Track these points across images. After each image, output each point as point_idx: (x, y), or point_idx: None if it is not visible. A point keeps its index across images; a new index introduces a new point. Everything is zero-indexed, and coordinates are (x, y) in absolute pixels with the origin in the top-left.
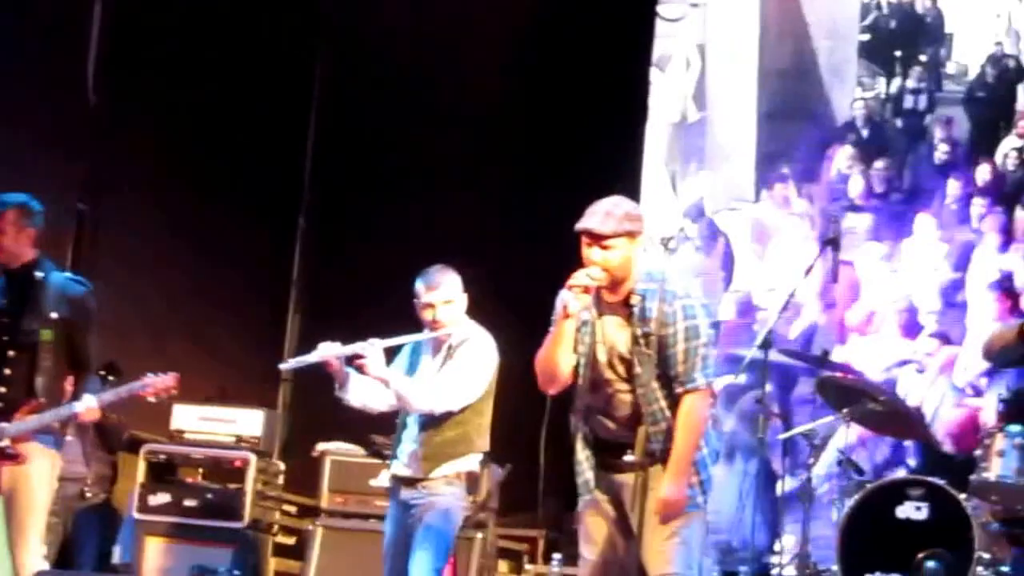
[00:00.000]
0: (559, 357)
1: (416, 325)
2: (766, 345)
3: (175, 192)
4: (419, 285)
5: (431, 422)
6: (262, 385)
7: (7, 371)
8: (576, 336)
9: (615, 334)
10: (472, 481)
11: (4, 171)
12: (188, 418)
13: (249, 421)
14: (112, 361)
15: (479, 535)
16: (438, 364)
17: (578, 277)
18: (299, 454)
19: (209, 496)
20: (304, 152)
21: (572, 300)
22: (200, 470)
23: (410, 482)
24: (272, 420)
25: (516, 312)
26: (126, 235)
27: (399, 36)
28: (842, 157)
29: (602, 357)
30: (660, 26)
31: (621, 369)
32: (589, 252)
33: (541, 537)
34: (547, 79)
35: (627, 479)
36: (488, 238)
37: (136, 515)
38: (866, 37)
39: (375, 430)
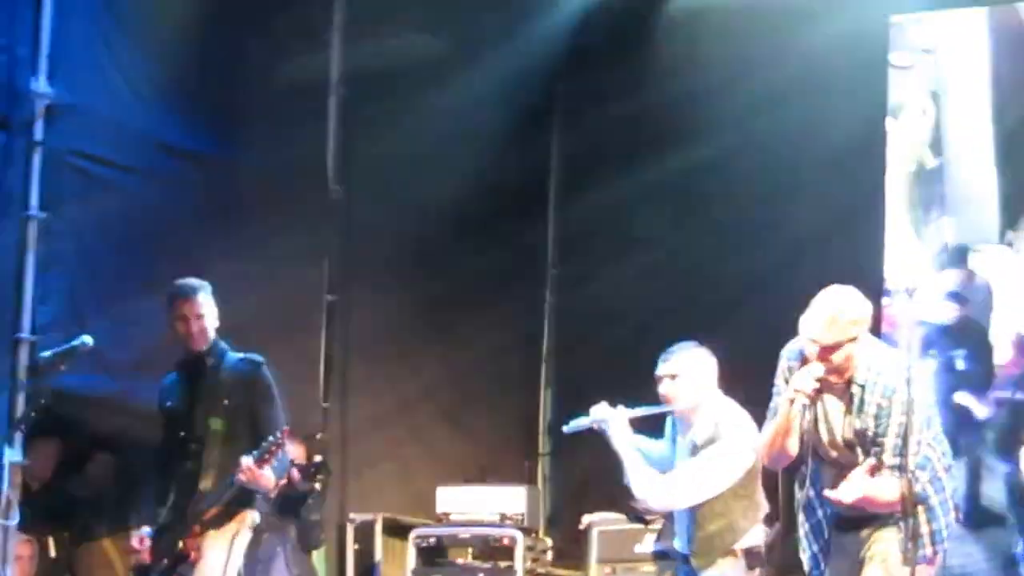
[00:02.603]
0: (788, 441)
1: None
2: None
3: (420, 278)
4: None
5: (691, 516)
6: (521, 462)
7: (189, 465)
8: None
9: (835, 417)
10: (752, 557)
11: (253, 263)
12: (452, 500)
13: (512, 498)
14: (323, 460)
15: None
16: (684, 451)
17: (804, 382)
18: (563, 527)
19: (481, 575)
20: (546, 225)
21: (799, 399)
22: (469, 550)
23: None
24: (534, 495)
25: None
26: (376, 324)
27: (634, 108)
28: None
29: (824, 436)
30: (893, 75)
31: (844, 451)
32: (812, 351)
33: None
34: (782, 133)
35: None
36: (734, 306)
37: None
38: None
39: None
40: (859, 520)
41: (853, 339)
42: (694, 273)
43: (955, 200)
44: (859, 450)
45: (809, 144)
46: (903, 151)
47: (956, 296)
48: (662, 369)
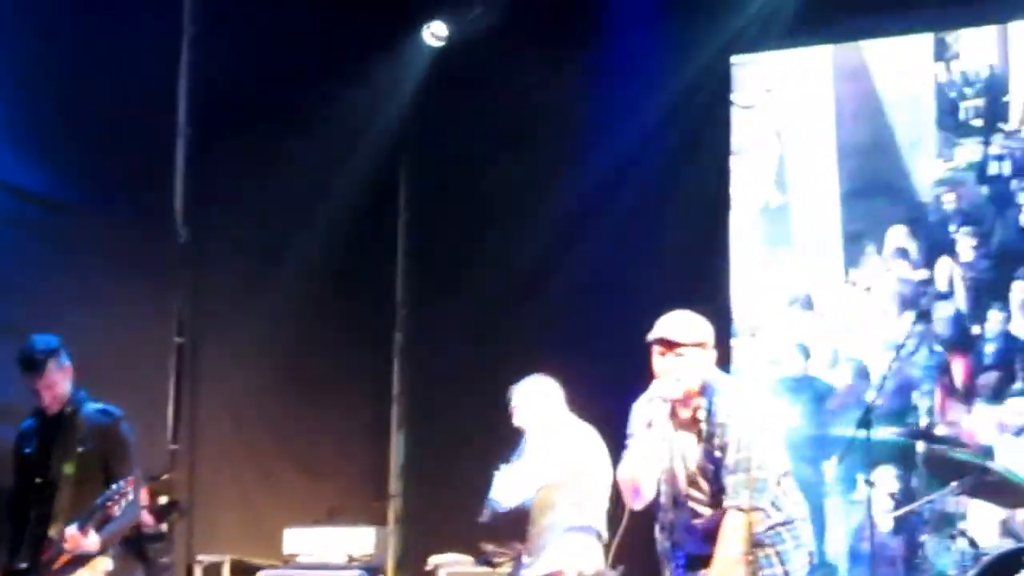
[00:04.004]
0: (643, 473)
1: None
2: (867, 425)
3: (270, 321)
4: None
5: (529, 512)
6: (370, 503)
7: (41, 510)
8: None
9: (689, 451)
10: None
11: (100, 306)
12: (300, 541)
13: (360, 539)
14: (175, 501)
15: None
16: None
17: (657, 387)
18: (412, 568)
19: None
20: (395, 266)
21: (655, 412)
22: None
23: None
24: (383, 537)
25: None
26: (225, 366)
27: (476, 147)
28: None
29: (680, 474)
30: (736, 114)
31: (702, 484)
32: (662, 362)
33: None
34: (627, 172)
35: None
36: (578, 340)
37: None
38: (943, 108)
39: (484, 538)
40: (708, 559)
41: (701, 345)
42: (541, 314)
43: (800, 238)
44: (708, 488)
45: (655, 181)
46: (748, 190)
47: (804, 349)
48: (512, 397)
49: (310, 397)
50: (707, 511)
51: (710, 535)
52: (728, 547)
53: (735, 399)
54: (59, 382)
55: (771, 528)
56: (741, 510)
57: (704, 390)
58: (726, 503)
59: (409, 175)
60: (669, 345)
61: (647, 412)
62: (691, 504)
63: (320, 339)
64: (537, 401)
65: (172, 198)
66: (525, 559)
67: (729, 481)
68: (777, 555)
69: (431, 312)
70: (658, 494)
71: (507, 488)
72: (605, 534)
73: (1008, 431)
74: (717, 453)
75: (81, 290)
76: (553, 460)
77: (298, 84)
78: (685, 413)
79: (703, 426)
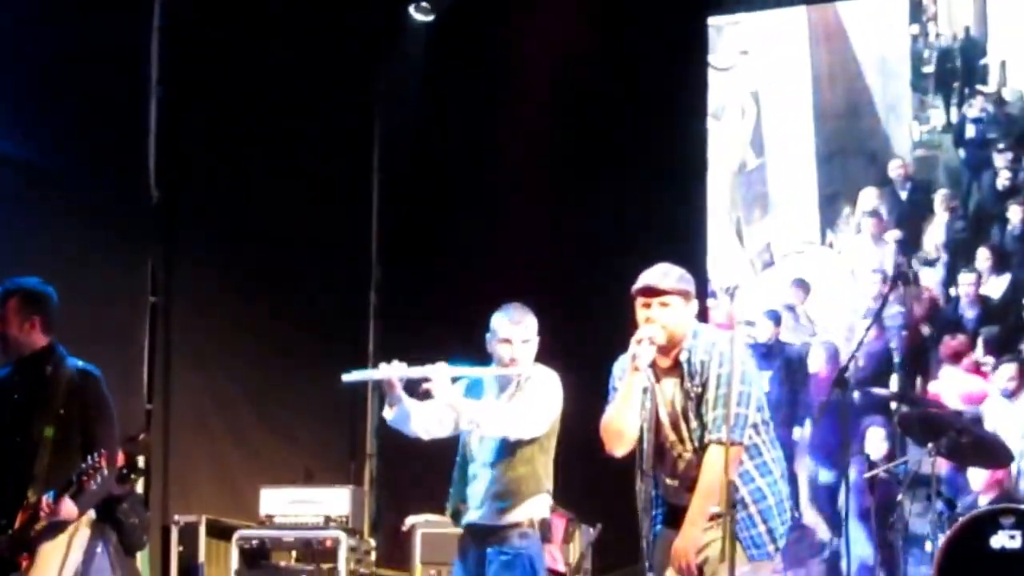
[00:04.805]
0: (628, 416)
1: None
2: (842, 385)
3: (244, 280)
4: (501, 319)
5: (501, 459)
6: (348, 464)
7: (18, 471)
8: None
9: (673, 396)
10: (545, 527)
11: (74, 268)
12: (276, 502)
13: (336, 500)
14: (133, 462)
15: None
16: (505, 399)
17: (644, 331)
18: (388, 529)
19: None
20: (370, 226)
21: (642, 353)
22: (292, 553)
23: (485, 534)
24: (359, 497)
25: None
26: (199, 326)
27: (450, 88)
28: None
29: (664, 419)
30: (713, 76)
31: (684, 429)
32: (646, 312)
33: None
34: (604, 134)
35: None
36: (555, 299)
37: None
38: (919, 71)
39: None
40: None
41: (685, 295)
42: (517, 275)
43: (777, 200)
44: (694, 424)
45: (632, 143)
46: (725, 152)
47: (774, 315)
48: (513, 332)
49: (286, 357)
50: (689, 456)
51: (691, 484)
52: (707, 476)
53: (716, 340)
54: (12, 322)
55: (753, 483)
56: (721, 443)
57: (686, 338)
58: (707, 438)
59: (383, 133)
60: (655, 293)
61: (632, 355)
62: (674, 452)
63: (295, 299)
64: (534, 341)
65: (145, 158)
66: (472, 502)
67: (710, 417)
68: (759, 513)
69: (407, 272)
70: (641, 442)
71: (501, 420)
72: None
73: (1001, 394)
74: (698, 390)
75: (54, 251)
76: (550, 409)
77: (271, 41)
78: (665, 362)
79: (684, 367)
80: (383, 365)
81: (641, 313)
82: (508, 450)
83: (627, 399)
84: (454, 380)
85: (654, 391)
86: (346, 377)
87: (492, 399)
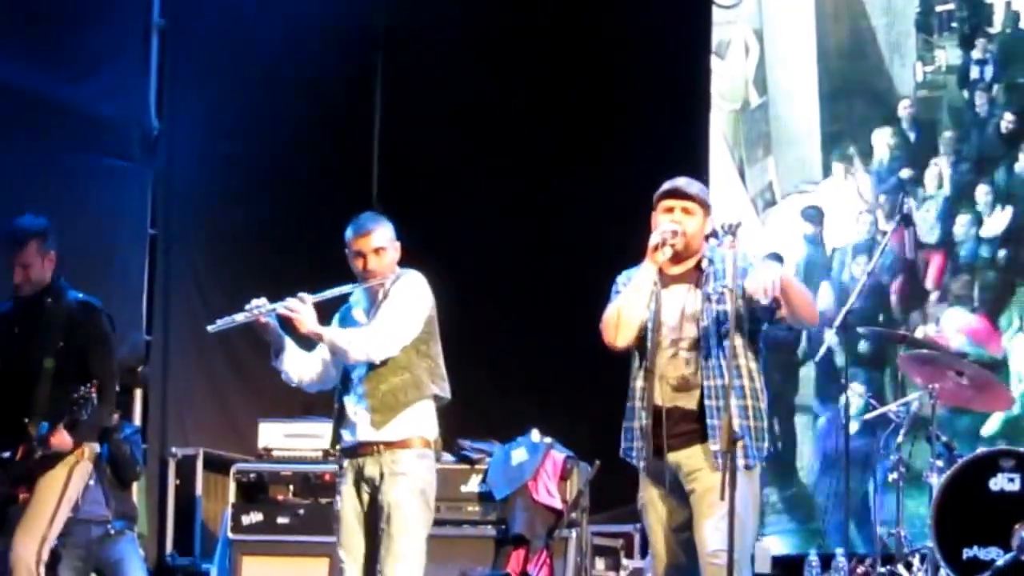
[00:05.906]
0: (637, 303)
1: None
2: (842, 328)
3: (245, 211)
4: (348, 233)
5: (373, 374)
6: None
7: (18, 402)
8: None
9: (684, 298)
10: (439, 447)
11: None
12: (274, 435)
13: None
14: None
15: (573, 534)
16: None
17: (668, 224)
18: None
19: (301, 512)
20: (371, 163)
21: (668, 238)
22: (290, 487)
23: (368, 450)
24: None
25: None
26: (199, 258)
27: (452, 56)
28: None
29: (670, 321)
30: (717, 13)
31: (689, 329)
32: (669, 216)
33: (636, 532)
34: (607, 72)
35: (679, 458)
36: (554, 242)
37: (230, 535)
38: (926, 10)
39: (462, 435)
40: (682, 436)
41: (706, 206)
42: (516, 221)
43: (779, 139)
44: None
45: (635, 81)
46: (728, 90)
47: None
48: (364, 244)
49: (286, 291)
50: (691, 356)
51: (680, 385)
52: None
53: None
54: (35, 264)
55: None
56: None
57: (704, 248)
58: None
59: (385, 80)
60: (681, 196)
61: (656, 241)
62: (677, 350)
63: (296, 235)
64: (391, 248)
65: (146, 84)
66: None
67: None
68: (755, 409)
69: (405, 216)
70: (645, 340)
71: (359, 345)
72: (447, 394)
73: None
74: (722, 289)
75: (54, 180)
76: (412, 314)
77: None
78: (676, 270)
79: (708, 269)
80: (248, 304)
81: (663, 218)
82: (378, 364)
83: (639, 287)
84: (331, 318)
85: (659, 296)
86: (211, 327)
87: (364, 322)
